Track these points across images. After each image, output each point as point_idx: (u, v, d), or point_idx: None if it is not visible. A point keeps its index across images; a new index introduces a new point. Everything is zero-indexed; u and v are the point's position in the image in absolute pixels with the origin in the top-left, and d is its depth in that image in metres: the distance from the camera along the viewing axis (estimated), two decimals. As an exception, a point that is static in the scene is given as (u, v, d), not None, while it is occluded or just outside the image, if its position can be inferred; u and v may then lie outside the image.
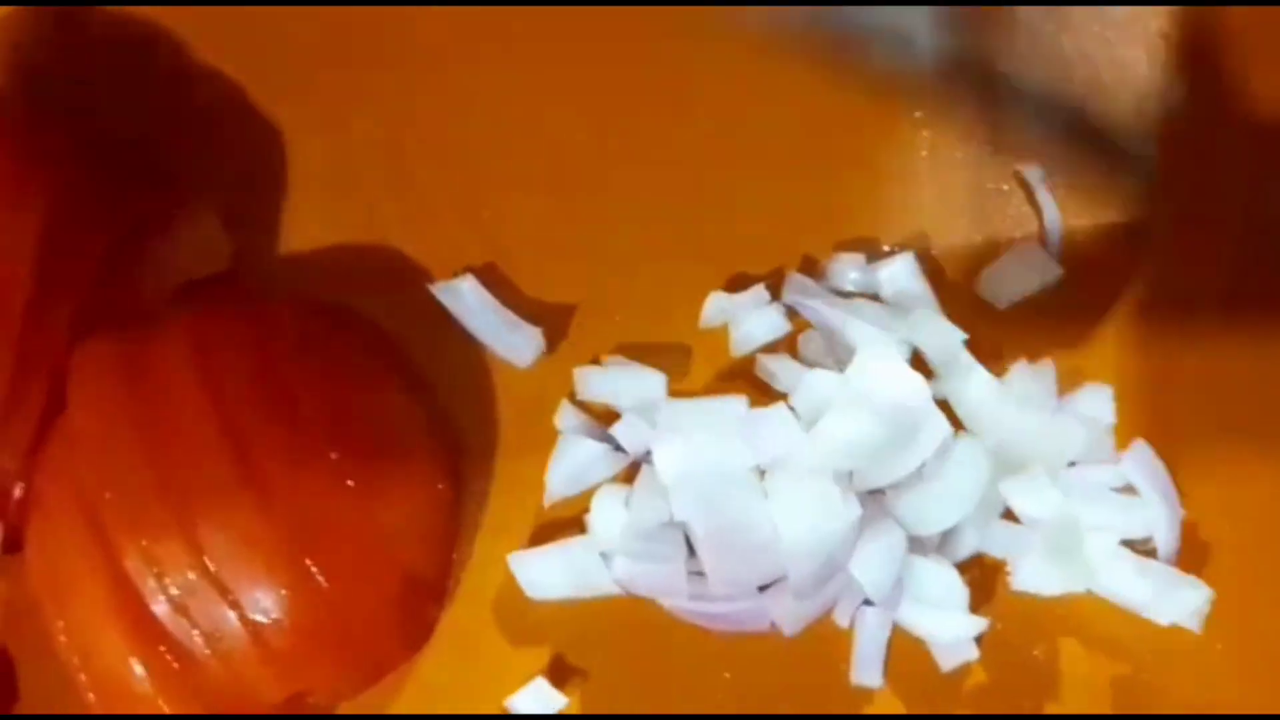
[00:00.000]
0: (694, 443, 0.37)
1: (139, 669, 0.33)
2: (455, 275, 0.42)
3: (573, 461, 0.39)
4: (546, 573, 0.39)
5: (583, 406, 0.41)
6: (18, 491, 0.35)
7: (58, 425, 0.35)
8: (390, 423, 0.38)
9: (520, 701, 0.38)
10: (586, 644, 0.39)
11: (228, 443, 0.34)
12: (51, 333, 0.36)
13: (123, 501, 0.33)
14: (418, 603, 0.37)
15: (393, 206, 0.43)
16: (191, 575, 0.33)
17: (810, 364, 0.41)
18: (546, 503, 0.40)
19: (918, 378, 0.38)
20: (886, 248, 0.43)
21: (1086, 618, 0.39)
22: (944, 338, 0.40)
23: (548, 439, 0.40)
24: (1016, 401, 0.39)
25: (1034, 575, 0.38)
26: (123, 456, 0.34)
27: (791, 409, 0.39)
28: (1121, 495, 0.39)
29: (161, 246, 0.39)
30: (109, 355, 0.35)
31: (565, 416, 0.41)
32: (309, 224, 0.43)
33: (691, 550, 0.38)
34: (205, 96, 0.44)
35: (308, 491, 0.34)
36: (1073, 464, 0.39)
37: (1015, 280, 0.42)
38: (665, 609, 0.39)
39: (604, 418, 0.41)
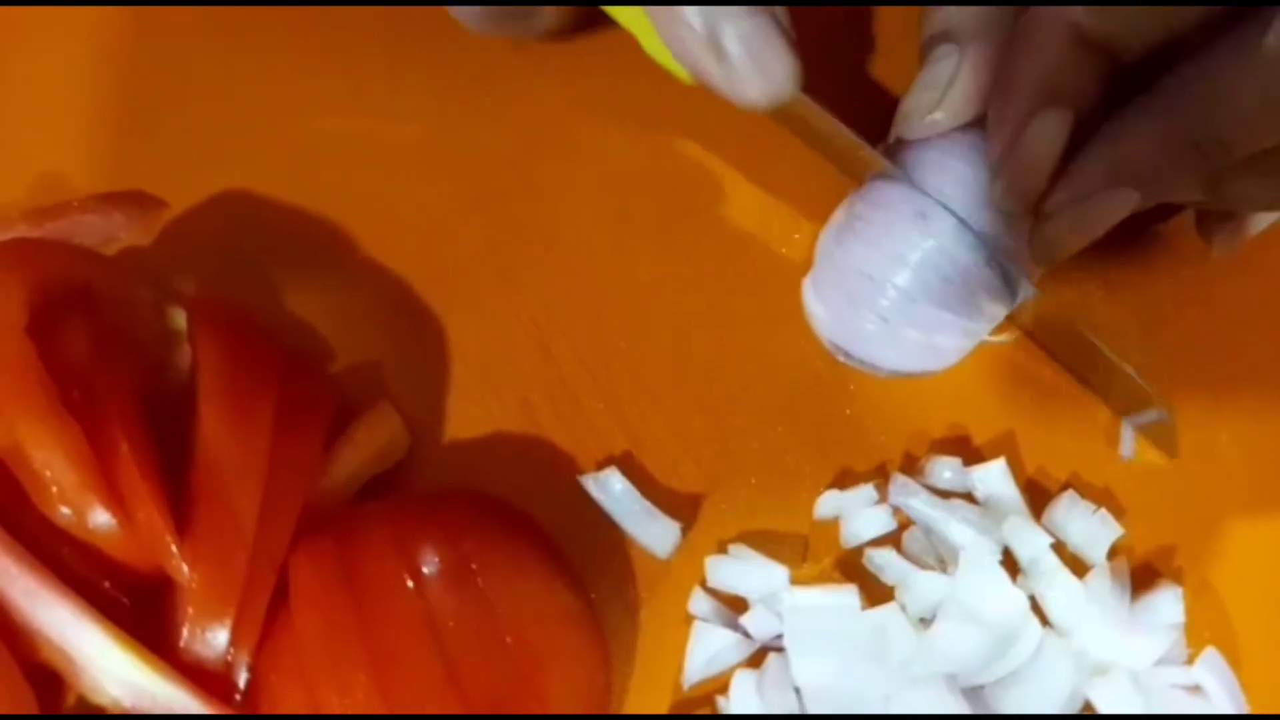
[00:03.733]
0: (828, 657, 0.42)
1: None
2: (599, 465, 0.47)
3: (708, 648, 0.45)
4: (690, 754, 0.44)
5: (712, 591, 0.46)
6: (242, 680, 0.39)
7: (281, 619, 0.40)
8: (554, 609, 0.42)
9: None
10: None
11: (431, 639, 0.39)
12: (279, 531, 0.40)
13: (344, 702, 0.38)
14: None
15: (544, 401, 0.48)
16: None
17: (914, 559, 0.46)
18: (686, 685, 0.45)
19: (1019, 594, 0.43)
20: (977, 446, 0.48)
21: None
22: (1033, 542, 0.45)
23: (681, 621, 0.46)
24: (1100, 606, 0.44)
25: (1117, 770, 0.43)
26: (343, 656, 0.38)
27: (901, 605, 0.44)
28: (1190, 696, 0.44)
29: (351, 446, 0.44)
30: (326, 555, 0.40)
31: (698, 603, 0.46)
32: (469, 417, 0.48)
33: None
34: (372, 295, 0.49)
35: (495, 676, 0.39)
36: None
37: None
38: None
39: (731, 601, 0.46)
